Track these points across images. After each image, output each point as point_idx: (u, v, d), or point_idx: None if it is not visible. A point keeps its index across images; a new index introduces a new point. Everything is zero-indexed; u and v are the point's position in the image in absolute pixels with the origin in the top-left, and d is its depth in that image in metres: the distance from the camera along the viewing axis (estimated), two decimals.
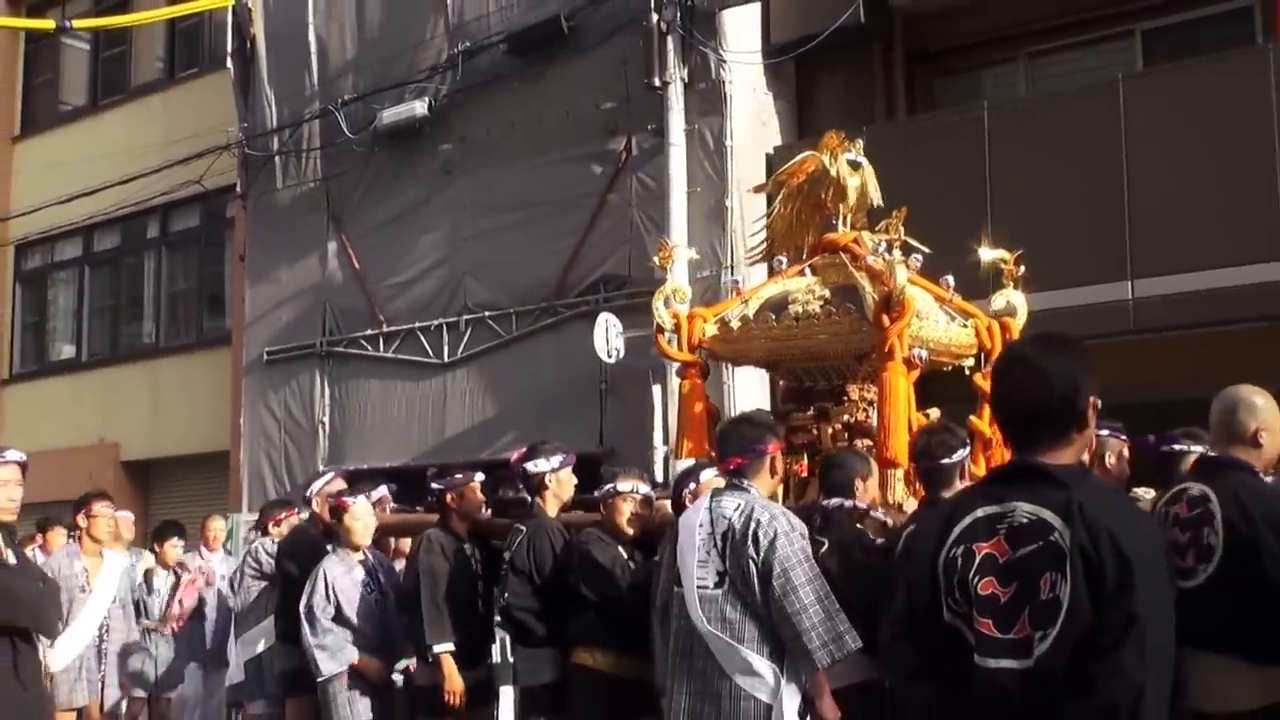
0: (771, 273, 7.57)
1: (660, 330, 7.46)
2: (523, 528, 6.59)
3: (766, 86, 13.83)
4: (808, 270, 7.37)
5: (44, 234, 20.78)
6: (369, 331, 15.63)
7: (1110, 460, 5.66)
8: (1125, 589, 2.81)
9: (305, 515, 8.77)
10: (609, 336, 12.60)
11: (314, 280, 16.29)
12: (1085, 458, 3.26)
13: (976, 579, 2.95)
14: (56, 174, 19.87)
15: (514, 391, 14.39)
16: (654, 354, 12.53)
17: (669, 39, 12.94)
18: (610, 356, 12.61)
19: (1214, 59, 12.13)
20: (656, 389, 12.67)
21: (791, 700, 4.82)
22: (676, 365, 7.65)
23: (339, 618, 7.01)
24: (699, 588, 4.95)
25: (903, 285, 6.54)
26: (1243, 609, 4.60)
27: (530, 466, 6.76)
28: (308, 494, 8.33)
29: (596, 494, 7.01)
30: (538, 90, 14.40)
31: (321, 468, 15.41)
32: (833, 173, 7.24)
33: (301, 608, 6.99)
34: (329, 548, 7.34)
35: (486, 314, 14.64)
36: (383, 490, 8.28)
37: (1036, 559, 2.89)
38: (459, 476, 7.44)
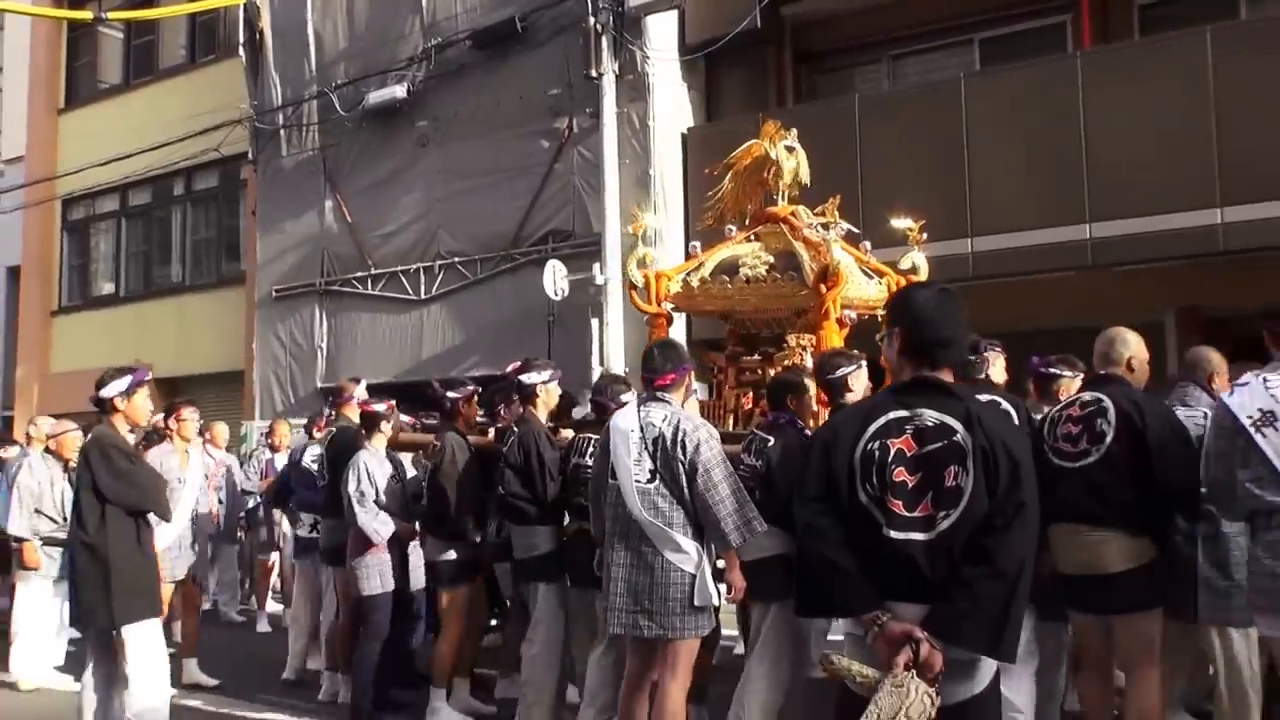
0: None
1: (633, 287, 7.61)
2: (515, 430, 6.46)
3: (682, 79, 13.83)
4: (753, 236, 7.51)
5: (86, 191, 20.43)
6: (359, 273, 15.59)
7: (991, 371, 5.68)
8: (1015, 483, 3.02)
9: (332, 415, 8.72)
10: (555, 279, 12.68)
11: (314, 231, 16.18)
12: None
13: (892, 468, 3.09)
14: (96, 141, 19.64)
15: (477, 322, 14.42)
16: (592, 293, 12.72)
17: (603, 39, 12.93)
18: (557, 295, 12.68)
19: (1036, 62, 12.24)
20: (594, 321, 12.83)
21: (708, 569, 4.95)
22: (646, 316, 7.75)
23: (376, 500, 6.98)
24: (635, 482, 4.98)
25: (838, 260, 6.77)
26: (1123, 485, 4.84)
27: (525, 378, 6.61)
28: (346, 398, 8.11)
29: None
30: (497, 78, 14.33)
31: (319, 384, 15.52)
32: (773, 156, 7.47)
33: (351, 491, 6.92)
34: (365, 445, 7.23)
35: (456, 260, 14.64)
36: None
37: (942, 454, 3.08)
38: (469, 388, 7.36)
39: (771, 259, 7.19)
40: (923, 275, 7.33)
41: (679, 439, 4.94)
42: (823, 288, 6.76)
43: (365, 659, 7.05)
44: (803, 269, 6.98)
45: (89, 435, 6.13)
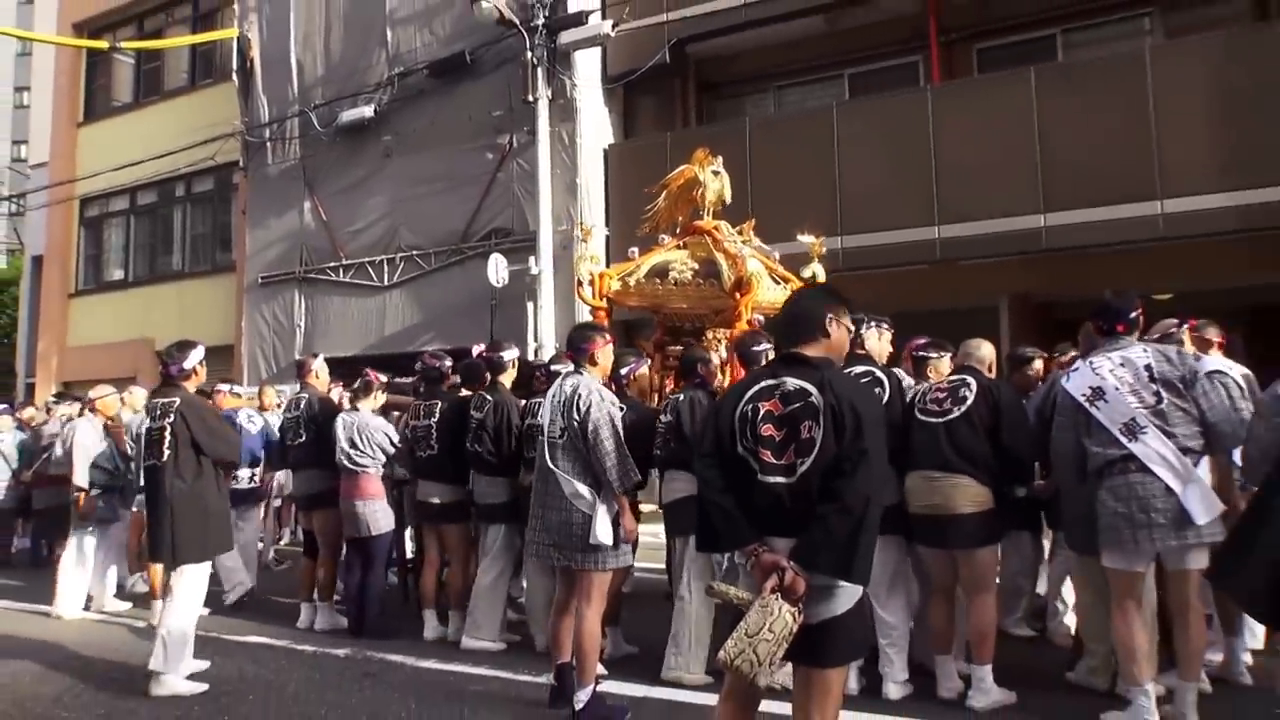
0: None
1: (580, 284, 7.59)
2: (489, 397, 6.42)
3: (604, 103, 13.82)
4: (682, 245, 7.49)
5: (101, 192, 19.89)
6: (332, 263, 15.32)
7: (870, 344, 5.57)
8: (858, 434, 3.04)
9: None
10: (498, 269, 12.57)
11: (294, 228, 15.86)
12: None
13: (762, 425, 3.17)
14: (110, 150, 19.22)
15: (432, 305, 14.25)
16: (528, 281, 12.56)
17: (539, 70, 12.82)
18: (499, 283, 12.55)
19: (894, 94, 12.33)
20: (529, 305, 12.69)
21: (604, 513, 4.87)
22: (589, 308, 7.76)
23: (382, 448, 6.94)
24: (549, 437, 4.97)
25: (752, 271, 6.90)
26: (977, 439, 4.96)
27: (497, 356, 6.66)
28: (308, 369, 7.76)
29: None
30: (450, 101, 14.17)
31: (298, 356, 15.17)
32: (701, 178, 7.47)
33: (345, 444, 6.87)
34: (359, 406, 7.12)
35: (414, 253, 14.47)
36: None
37: (800, 412, 3.14)
38: (449, 361, 7.22)
39: (696, 265, 7.22)
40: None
41: (576, 402, 4.92)
42: (738, 294, 6.90)
43: (373, 586, 7.00)
44: (722, 276, 7.04)
45: (180, 400, 5.78)
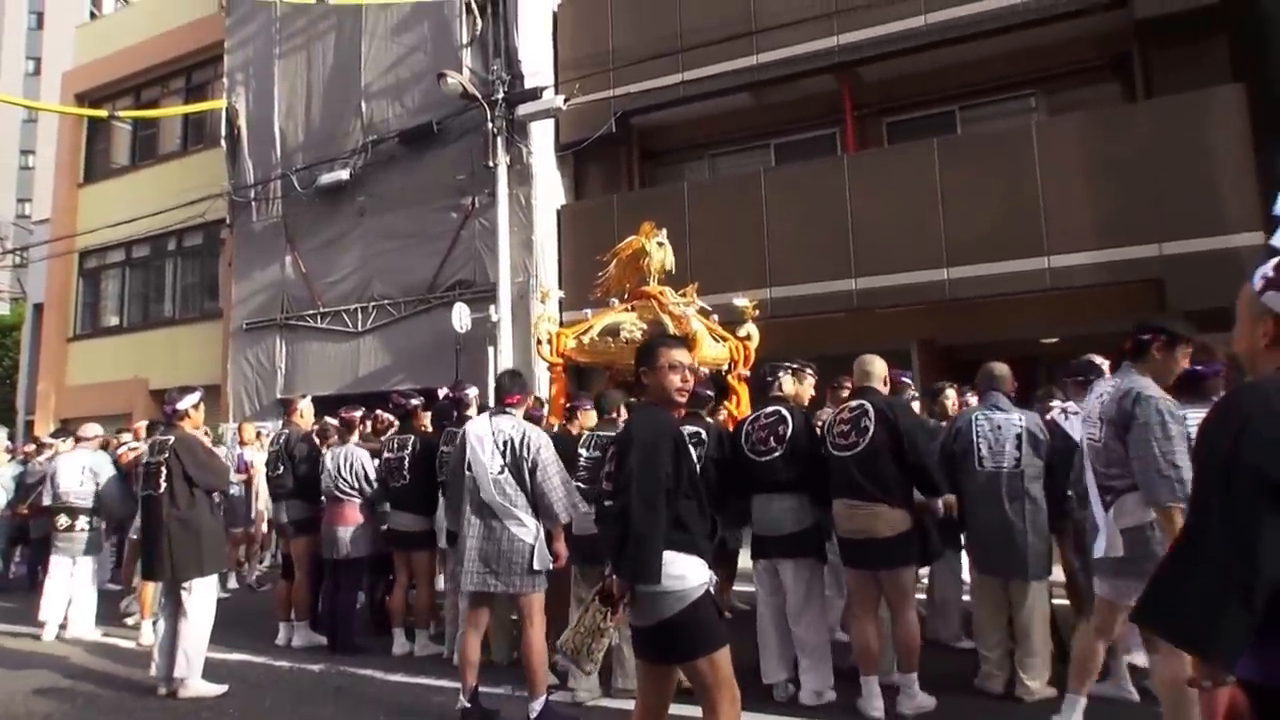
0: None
1: (539, 342, 7.56)
2: (456, 431, 6.25)
3: (557, 168, 13.75)
4: (631, 308, 7.49)
5: (99, 246, 19.39)
6: (311, 311, 14.98)
7: (786, 387, 5.50)
8: (623, 460, 3.30)
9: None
10: (461, 317, 12.37)
11: (276, 279, 15.51)
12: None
13: (609, 465, 3.51)
14: (107, 208, 18.79)
15: (401, 349, 13.98)
16: (489, 328, 12.41)
17: (498, 138, 12.77)
18: (462, 329, 12.34)
19: (814, 162, 12.44)
20: (490, 349, 12.54)
21: (542, 541, 4.86)
22: (546, 365, 7.74)
23: (367, 480, 6.86)
24: (491, 474, 4.84)
25: (695, 329, 6.98)
26: (884, 466, 4.84)
27: (462, 395, 6.71)
28: (294, 408, 7.66)
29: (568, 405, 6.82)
30: (418, 166, 13.99)
31: (278, 396, 14.96)
32: (647, 249, 7.48)
33: (330, 481, 6.86)
34: (333, 441, 7.18)
35: (385, 302, 14.20)
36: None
37: (620, 447, 3.40)
38: (419, 399, 7.08)
39: (645, 325, 7.20)
40: (755, 342, 7.44)
41: (525, 442, 4.87)
42: None
43: (350, 606, 6.94)
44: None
45: (174, 437, 5.91)
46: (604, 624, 3.18)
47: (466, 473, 4.92)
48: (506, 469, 4.84)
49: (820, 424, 5.47)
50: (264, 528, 10.27)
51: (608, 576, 3.25)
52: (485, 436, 4.93)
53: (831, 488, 5.04)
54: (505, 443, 4.87)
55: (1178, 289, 9.39)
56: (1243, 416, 1.71)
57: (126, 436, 9.70)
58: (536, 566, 4.79)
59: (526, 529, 4.81)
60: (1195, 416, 3.99)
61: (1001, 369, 5.44)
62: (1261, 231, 8.77)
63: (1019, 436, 5.14)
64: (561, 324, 12.49)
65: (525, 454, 4.84)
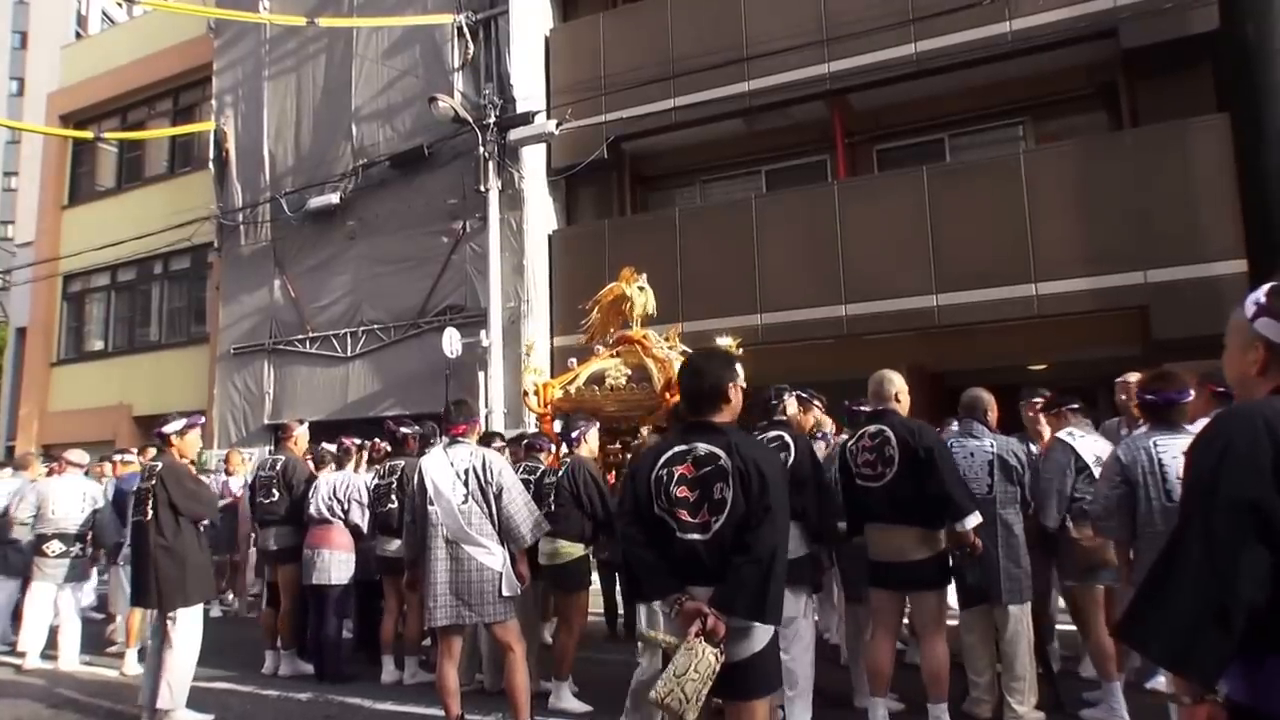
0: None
1: (526, 394, 7.67)
2: (398, 464, 6.48)
3: (548, 193, 13.89)
4: (615, 354, 7.59)
5: (83, 269, 19.47)
6: (299, 336, 15.08)
7: (790, 411, 5.60)
8: (764, 492, 3.06)
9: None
10: (451, 342, 12.46)
11: (264, 303, 15.61)
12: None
13: (676, 488, 3.17)
14: (92, 231, 18.89)
15: (391, 374, 14.08)
16: (479, 353, 12.52)
17: (490, 163, 12.88)
18: (452, 354, 12.43)
19: (806, 188, 12.57)
20: (480, 374, 12.61)
21: (509, 568, 4.91)
22: (535, 415, 7.89)
23: (361, 505, 6.92)
24: (455, 504, 4.86)
25: (677, 373, 6.79)
26: (916, 494, 4.80)
27: (396, 432, 6.81)
28: (289, 434, 7.70)
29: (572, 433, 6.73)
30: (409, 190, 14.13)
31: (266, 422, 15.04)
32: (629, 294, 7.62)
33: (323, 504, 6.90)
34: (326, 468, 7.24)
35: (375, 326, 14.30)
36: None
37: (711, 475, 3.16)
38: (416, 428, 7.16)
39: (629, 371, 7.34)
40: (741, 380, 7.35)
41: (487, 467, 4.94)
42: (667, 395, 6.98)
43: (337, 633, 6.93)
44: (652, 379, 7.19)
45: (160, 465, 5.92)
46: (717, 666, 2.99)
47: (429, 508, 4.92)
48: (470, 498, 4.88)
49: (838, 445, 5.49)
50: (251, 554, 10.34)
51: (705, 614, 3.02)
52: (444, 469, 4.97)
53: (865, 514, 5.07)
54: (466, 471, 4.92)
55: (1161, 317, 9.61)
56: (1225, 439, 1.78)
57: (129, 457, 9.65)
58: (506, 593, 4.84)
59: (494, 556, 4.86)
60: (1164, 443, 4.24)
61: (977, 396, 5.52)
62: (1244, 260, 9.02)
63: (990, 463, 5.23)
64: (553, 349, 12.73)
65: (489, 478, 4.90)
